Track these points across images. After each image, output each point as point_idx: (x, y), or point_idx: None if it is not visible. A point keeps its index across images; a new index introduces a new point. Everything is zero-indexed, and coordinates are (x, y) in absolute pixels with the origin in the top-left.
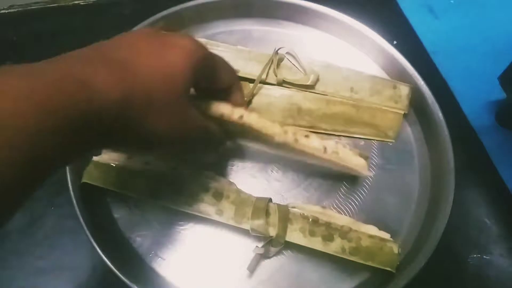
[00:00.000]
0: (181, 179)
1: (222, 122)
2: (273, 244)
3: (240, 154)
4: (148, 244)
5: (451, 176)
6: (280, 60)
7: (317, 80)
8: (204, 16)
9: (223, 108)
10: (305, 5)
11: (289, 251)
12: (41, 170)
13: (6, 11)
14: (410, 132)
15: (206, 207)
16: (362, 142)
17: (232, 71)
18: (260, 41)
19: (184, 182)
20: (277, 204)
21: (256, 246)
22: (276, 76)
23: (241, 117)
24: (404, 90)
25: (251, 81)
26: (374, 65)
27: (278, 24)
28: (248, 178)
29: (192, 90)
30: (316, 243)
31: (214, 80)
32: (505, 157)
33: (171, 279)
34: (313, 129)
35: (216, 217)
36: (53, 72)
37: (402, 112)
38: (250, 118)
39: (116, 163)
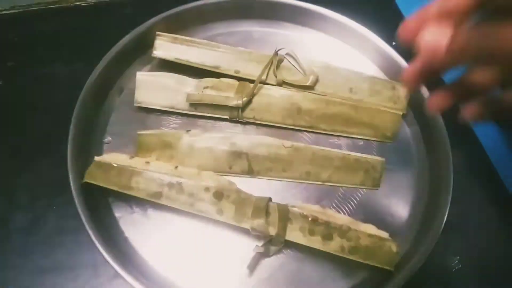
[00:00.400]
0: (181, 178)
1: None
2: (273, 243)
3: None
4: (149, 243)
5: (450, 176)
6: (280, 61)
7: (317, 80)
8: (205, 17)
9: None
10: (305, 7)
11: (289, 250)
12: None
13: (8, 12)
14: (408, 133)
15: (207, 207)
16: (361, 143)
17: None
18: (260, 42)
19: (185, 182)
20: (277, 203)
21: (256, 245)
22: (276, 76)
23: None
24: (403, 90)
25: (252, 81)
26: (373, 66)
27: (278, 25)
28: (248, 178)
29: None
30: (316, 242)
31: None
32: (503, 157)
33: (172, 278)
34: (313, 129)
35: (216, 217)
36: None
37: (401, 113)
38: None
39: (118, 163)
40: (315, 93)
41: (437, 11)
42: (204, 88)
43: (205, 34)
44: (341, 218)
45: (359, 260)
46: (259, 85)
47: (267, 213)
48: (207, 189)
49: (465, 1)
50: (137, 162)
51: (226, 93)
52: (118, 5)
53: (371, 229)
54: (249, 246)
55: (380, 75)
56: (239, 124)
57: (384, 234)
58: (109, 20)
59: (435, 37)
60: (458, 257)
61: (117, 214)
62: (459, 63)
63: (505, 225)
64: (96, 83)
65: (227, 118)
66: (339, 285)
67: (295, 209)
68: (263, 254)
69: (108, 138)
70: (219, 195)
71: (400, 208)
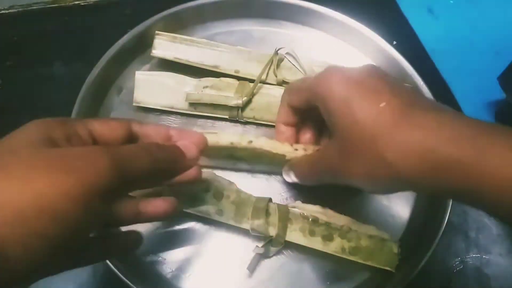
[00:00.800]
0: None
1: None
2: (273, 244)
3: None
4: (148, 244)
5: None
6: (280, 60)
7: None
8: (204, 16)
9: (230, 137)
10: (305, 6)
11: (289, 251)
12: None
13: (7, 11)
14: None
15: (206, 207)
16: None
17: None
18: (260, 41)
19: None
20: (277, 204)
21: (256, 246)
22: (276, 76)
23: (250, 142)
24: None
25: (251, 81)
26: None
27: (278, 25)
28: (248, 178)
29: None
30: (316, 243)
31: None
32: None
33: (171, 278)
34: None
35: (216, 217)
36: None
37: None
38: (260, 141)
39: None
40: None
41: (279, 123)
42: (204, 87)
43: (204, 33)
44: (342, 219)
45: (359, 261)
46: (259, 84)
47: (267, 214)
48: (206, 189)
49: (287, 119)
50: None
51: (226, 93)
52: (118, 4)
53: (371, 229)
54: (249, 247)
55: None
56: (239, 124)
57: (384, 235)
58: (109, 19)
59: (287, 176)
60: (459, 258)
61: None
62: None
63: (507, 225)
64: (95, 82)
65: (226, 118)
66: (340, 286)
67: (295, 209)
68: (263, 255)
69: None
70: (219, 195)
71: (401, 208)
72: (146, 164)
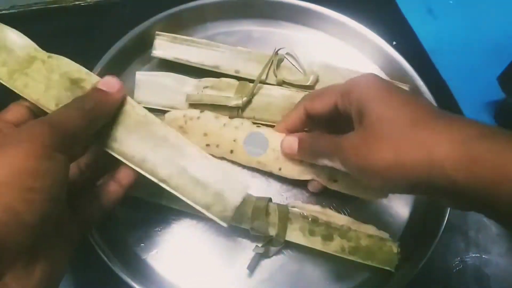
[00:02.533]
0: None
1: None
2: (273, 244)
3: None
4: (148, 244)
5: None
6: (280, 60)
7: (317, 80)
8: (204, 16)
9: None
10: (305, 6)
11: (289, 250)
12: None
13: (7, 12)
14: None
15: None
16: None
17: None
18: (260, 41)
19: None
20: (277, 204)
21: (256, 245)
22: (276, 76)
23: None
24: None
25: (251, 81)
26: (373, 65)
27: (278, 25)
28: (248, 178)
29: None
30: (316, 243)
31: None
32: None
33: (171, 278)
34: None
35: None
36: None
37: None
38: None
39: None
40: None
41: (283, 128)
42: (204, 87)
43: (204, 33)
44: (341, 218)
45: (359, 260)
46: (259, 84)
47: (267, 214)
48: None
49: (296, 124)
50: None
51: (226, 93)
52: (118, 4)
53: (371, 229)
54: (249, 247)
55: (381, 74)
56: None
57: (384, 235)
58: (109, 19)
59: (289, 143)
60: (459, 258)
61: (116, 214)
62: (309, 159)
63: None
64: None
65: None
66: (340, 286)
67: (295, 209)
68: (263, 255)
69: None
70: None
71: (400, 208)
72: (80, 119)
